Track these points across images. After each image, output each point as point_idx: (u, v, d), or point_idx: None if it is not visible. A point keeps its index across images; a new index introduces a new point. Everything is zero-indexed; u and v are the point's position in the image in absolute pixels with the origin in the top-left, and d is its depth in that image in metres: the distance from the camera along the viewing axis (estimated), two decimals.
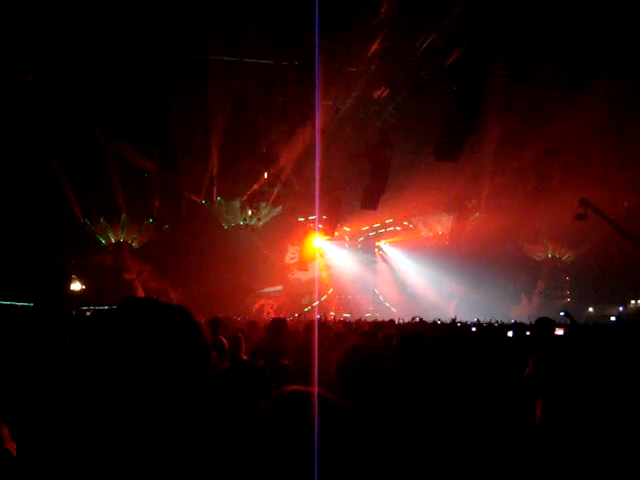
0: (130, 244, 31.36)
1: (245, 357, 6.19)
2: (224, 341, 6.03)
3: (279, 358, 4.94)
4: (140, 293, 30.11)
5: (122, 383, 1.16)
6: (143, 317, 1.26)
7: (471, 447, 2.77)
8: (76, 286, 28.54)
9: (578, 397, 1.98)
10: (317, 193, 21.96)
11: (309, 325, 6.03)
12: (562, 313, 11.98)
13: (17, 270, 21.68)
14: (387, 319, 20.80)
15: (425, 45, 18.83)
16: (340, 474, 1.81)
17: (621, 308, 30.95)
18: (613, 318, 20.11)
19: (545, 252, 34.31)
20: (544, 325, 4.81)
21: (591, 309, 31.31)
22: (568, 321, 10.62)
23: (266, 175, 23.08)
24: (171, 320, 1.30)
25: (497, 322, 18.49)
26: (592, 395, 2.00)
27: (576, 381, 2.05)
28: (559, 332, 6.96)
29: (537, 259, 34.38)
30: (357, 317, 29.99)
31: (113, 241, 31.04)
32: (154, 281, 30.70)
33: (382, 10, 17.90)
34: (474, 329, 11.08)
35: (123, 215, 30.27)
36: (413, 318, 18.65)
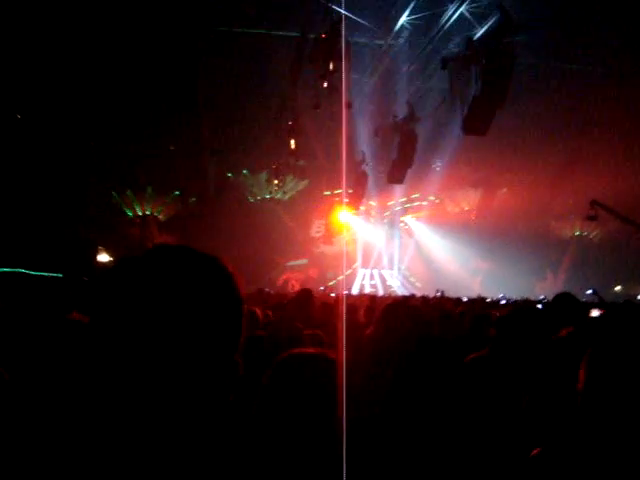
0: (156, 217, 31.54)
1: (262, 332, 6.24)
2: (258, 311, 6.05)
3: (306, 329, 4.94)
4: None
5: (147, 334, 1.09)
6: (172, 264, 1.20)
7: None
8: (103, 258, 28.82)
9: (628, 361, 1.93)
10: (343, 167, 21.87)
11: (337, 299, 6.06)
12: (590, 291, 11.92)
13: (46, 242, 21.95)
14: (411, 294, 20.86)
15: (454, 18, 18.63)
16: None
17: None
18: None
19: (572, 229, 33.98)
20: (565, 301, 4.74)
21: (618, 288, 31.00)
22: (596, 299, 10.56)
23: (292, 148, 23.02)
24: (203, 268, 1.25)
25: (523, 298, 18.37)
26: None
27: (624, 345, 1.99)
28: (595, 313, 6.87)
29: (564, 236, 34.07)
30: (382, 292, 30.08)
31: (140, 214, 31.25)
32: None
33: None
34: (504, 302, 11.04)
35: (149, 187, 30.44)
36: (436, 292, 18.66)
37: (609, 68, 19.89)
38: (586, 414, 1.95)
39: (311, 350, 2.19)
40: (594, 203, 21.36)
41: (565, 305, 4.53)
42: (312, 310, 6.28)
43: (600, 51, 18.75)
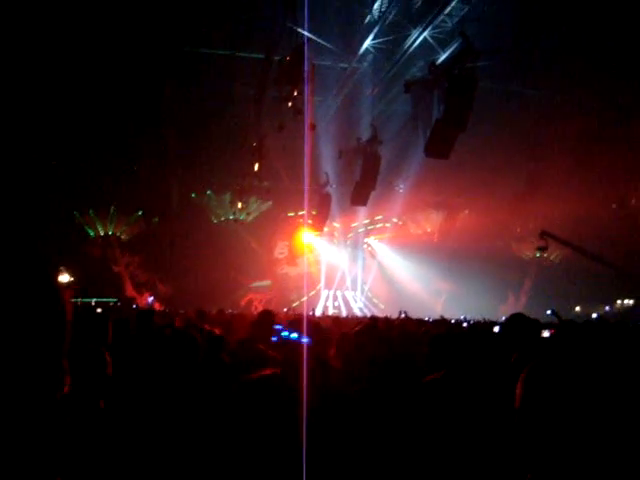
0: (119, 237, 31.28)
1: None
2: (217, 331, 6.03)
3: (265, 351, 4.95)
4: (128, 285, 30.08)
5: None
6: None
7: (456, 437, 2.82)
8: (64, 278, 28.44)
9: (560, 380, 2.02)
10: (306, 188, 21.97)
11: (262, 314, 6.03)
12: (549, 311, 12.08)
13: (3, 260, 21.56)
14: (373, 315, 20.88)
15: (417, 43, 18.92)
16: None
17: (607, 307, 31.15)
18: (595, 315, 20.27)
19: (533, 251, 34.42)
20: (517, 322, 4.83)
21: (578, 308, 31.45)
22: (555, 319, 10.71)
23: (256, 169, 23.05)
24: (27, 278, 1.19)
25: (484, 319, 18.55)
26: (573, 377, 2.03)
27: (556, 365, 2.08)
28: (545, 334, 6.99)
29: (525, 257, 34.48)
30: (345, 313, 30.09)
31: (102, 233, 30.96)
32: (142, 274, 30.67)
33: (375, 7, 18.00)
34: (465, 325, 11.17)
35: (112, 207, 30.21)
36: (400, 313, 18.71)
37: (565, 94, 20.35)
38: (522, 431, 2.02)
39: (266, 372, 2.21)
40: (543, 234, 21.73)
41: (518, 326, 4.62)
42: (271, 332, 6.28)
43: (558, 78, 19.19)
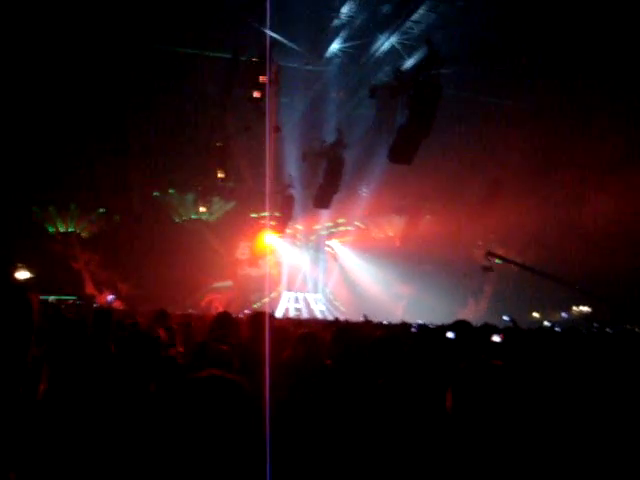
0: (79, 234, 30.89)
1: (181, 349, 6.21)
2: (161, 333, 6.00)
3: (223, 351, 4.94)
4: (88, 283, 29.71)
5: None
6: None
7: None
8: (23, 274, 28.00)
9: (481, 384, 2.13)
10: (269, 190, 21.96)
11: (256, 317, 6.01)
12: (506, 317, 12.23)
13: None
14: (334, 318, 20.93)
15: (384, 48, 19.03)
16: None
17: (564, 313, 31.59)
18: (546, 323, 20.59)
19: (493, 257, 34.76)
20: (461, 328, 4.93)
21: (535, 314, 31.83)
22: (511, 325, 10.85)
23: (220, 170, 22.96)
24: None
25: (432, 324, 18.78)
26: (493, 382, 2.14)
27: (478, 370, 2.20)
28: (496, 338, 7.11)
29: (485, 263, 34.80)
30: (307, 315, 30.12)
31: (62, 230, 30.55)
32: (103, 272, 30.32)
33: (343, 10, 18.04)
34: (414, 329, 11.23)
35: (73, 204, 29.83)
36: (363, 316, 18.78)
37: (527, 103, 20.66)
38: (454, 429, 2.11)
39: (214, 372, 2.22)
40: (488, 254, 22.10)
41: (462, 331, 4.73)
42: (230, 333, 6.28)
43: (522, 87, 19.45)
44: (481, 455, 2.06)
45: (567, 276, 23.77)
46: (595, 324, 16.28)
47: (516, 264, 23.26)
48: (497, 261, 25.35)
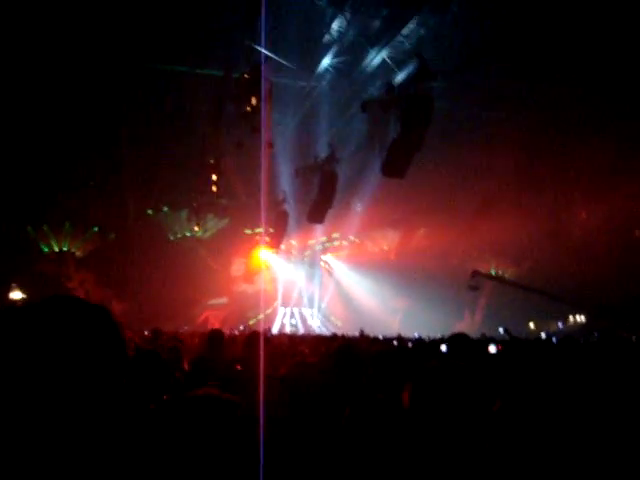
0: (73, 253, 30.81)
1: (186, 368, 6.16)
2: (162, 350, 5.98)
3: (218, 370, 4.93)
4: None
5: (43, 373, 1.24)
6: (65, 314, 1.32)
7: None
8: (16, 295, 27.89)
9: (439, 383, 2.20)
10: (263, 206, 21.98)
11: (251, 337, 5.99)
12: (501, 329, 12.26)
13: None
14: (331, 332, 20.90)
15: (375, 63, 19.11)
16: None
17: (560, 324, 31.59)
18: (543, 334, 20.62)
19: (488, 268, 34.80)
20: (458, 341, 4.93)
21: (531, 325, 31.82)
22: (507, 337, 10.85)
23: (213, 186, 22.97)
24: (92, 318, 1.36)
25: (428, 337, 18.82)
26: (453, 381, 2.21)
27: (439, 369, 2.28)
28: (492, 349, 7.12)
29: (471, 283, 34.81)
30: (303, 330, 30.06)
31: (56, 249, 30.46)
32: (98, 291, 30.22)
33: (333, 26, 18.13)
34: (410, 344, 11.24)
35: (67, 223, 29.78)
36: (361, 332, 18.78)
37: (518, 115, 20.77)
38: (411, 426, 2.17)
39: (211, 391, 2.23)
40: (475, 273, 22.22)
41: (459, 344, 4.74)
42: (222, 352, 6.27)
43: (512, 100, 19.56)
44: (433, 451, 2.12)
45: (560, 287, 23.89)
46: (595, 333, 16.30)
47: (501, 281, 23.45)
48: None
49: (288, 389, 3.98)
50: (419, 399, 2.22)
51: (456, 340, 4.95)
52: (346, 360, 3.99)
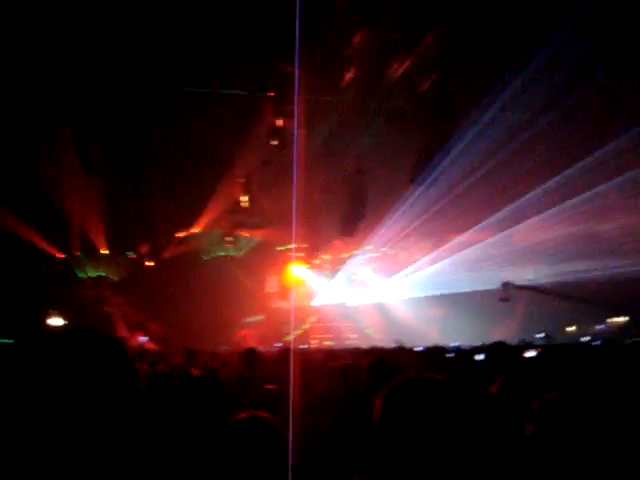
0: (110, 277, 31.16)
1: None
2: (194, 373, 6.02)
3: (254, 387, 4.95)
4: (120, 326, 29.85)
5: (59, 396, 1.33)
6: (82, 346, 1.44)
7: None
8: (55, 321, 28.24)
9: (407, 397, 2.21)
10: (295, 221, 22.02)
11: (284, 354, 6.02)
12: (541, 334, 12.15)
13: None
14: (369, 345, 20.83)
15: (398, 73, 19.13)
16: None
17: (600, 326, 31.13)
18: (588, 338, 20.41)
19: (525, 273, 34.43)
20: (497, 350, 4.89)
21: (572, 328, 31.41)
22: (548, 341, 10.76)
23: (245, 204, 23.13)
24: (105, 349, 1.47)
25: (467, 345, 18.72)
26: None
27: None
28: (531, 353, 7.05)
29: (518, 280, 34.43)
30: (339, 344, 29.98)
31: (93, 275, 30.84)
32: (134, 314, 30.49)
33: (355, 39, 18.21)
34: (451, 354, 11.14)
35: (102, 249, 30.14)
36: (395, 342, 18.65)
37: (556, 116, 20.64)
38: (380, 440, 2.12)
39: (260, 414, 2.25)
40: (507, 285, 22.07)
41: (497, 353, 4.70)
42: (258, 370, 6.30)
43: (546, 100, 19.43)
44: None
45: (597, 289, 23.62)
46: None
47: (534, 289, 23.22)
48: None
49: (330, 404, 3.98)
50: (391, 416, 2.17)
51: (494, 348, 4.91)
52: (380, 374, 3.98)
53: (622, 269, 22.98)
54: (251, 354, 6.46)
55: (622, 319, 30.08)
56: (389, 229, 29.32)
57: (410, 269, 33.08)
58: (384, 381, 4.00)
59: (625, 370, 5.50)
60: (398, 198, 23.94)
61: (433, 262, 31.95)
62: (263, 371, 6.25)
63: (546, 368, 5.51)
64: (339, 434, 3.64)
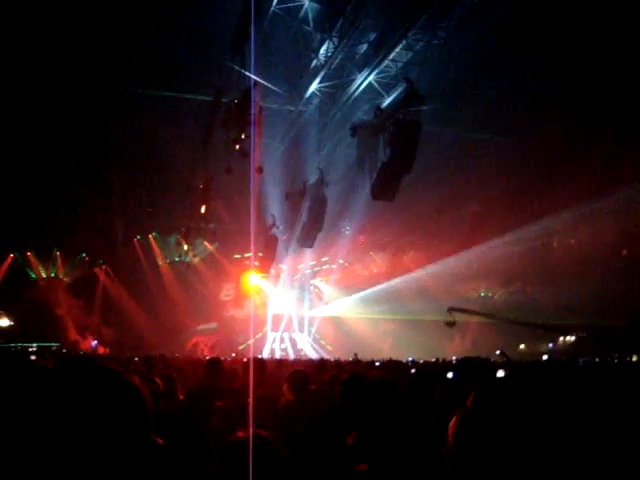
0: (62, 279, 30.61)
1: (182, 397, 6.07)
2: (158, 382, 5.89)
3: (217, 399, 4.87)
4: (71, 329, 29.32)
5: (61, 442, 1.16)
6: (82, 382, 1.27)
7: None
8: (3, 322, 27.64)
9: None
10: (252, 230, 21.94)
11: (246, 364, 5.95)
12: (498, 351, 12.23)
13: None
14: (323, 357, 20.81)
15: (362, 87, 19.22)
16: None
17: (550, 345, 31.57)
18: (545, 357, 20.70)
19: (477, 290, 34.84)
20: (468, 366, 4.88)
21: (522, 346, 31.79)
22: (504, 359, 10.83)
23: (203, 211, 22.92)
24: (109, 386, 1.30)
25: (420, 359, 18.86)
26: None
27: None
28: (500, 374, 7.07)
29: (470, 297, 34.76)
30: (293, 355, 29.90)
31: (44, 276, 30.27)
32: (85, 317, 30.01)
33: (321, 51, 18.27)
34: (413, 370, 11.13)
35: (54, 249, 29.62)
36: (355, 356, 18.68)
37: (509, 138, 20.91)
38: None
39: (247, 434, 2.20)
40: (451, 309, 22.49)
41: (469, 369, 4.67)
42: (221, 380, 6.21)
43: (499, 122, 19.69)
44: None
45: (549, 308, 24.01)
46: (596, 358, 16.27)
47: (477, 314, 23.66)
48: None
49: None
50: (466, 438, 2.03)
51: (464, 366, 4.89)
52: (354, 390, 3.97)
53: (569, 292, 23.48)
54: (214, 364, 6.37)
55: (572, 338, 30.60)
56: (347, 242, 29.39)
57: (366, 284, 33.15)
58: (359, 396, 3.96)
59: (582, 386, 5.58)
60: (357, 211, 23.99)
61: (388, 278, 32.09)
62: (226, 381, 6.15)
63: (520, 388, 5.55)
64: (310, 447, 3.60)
